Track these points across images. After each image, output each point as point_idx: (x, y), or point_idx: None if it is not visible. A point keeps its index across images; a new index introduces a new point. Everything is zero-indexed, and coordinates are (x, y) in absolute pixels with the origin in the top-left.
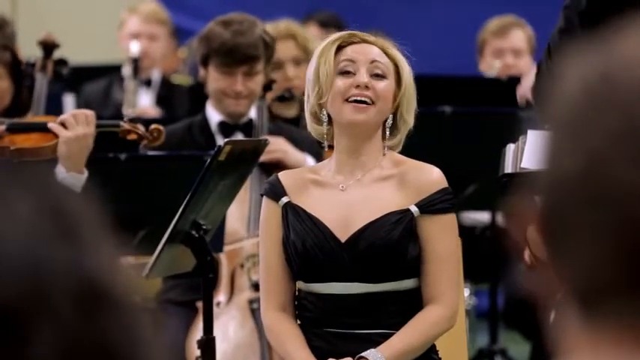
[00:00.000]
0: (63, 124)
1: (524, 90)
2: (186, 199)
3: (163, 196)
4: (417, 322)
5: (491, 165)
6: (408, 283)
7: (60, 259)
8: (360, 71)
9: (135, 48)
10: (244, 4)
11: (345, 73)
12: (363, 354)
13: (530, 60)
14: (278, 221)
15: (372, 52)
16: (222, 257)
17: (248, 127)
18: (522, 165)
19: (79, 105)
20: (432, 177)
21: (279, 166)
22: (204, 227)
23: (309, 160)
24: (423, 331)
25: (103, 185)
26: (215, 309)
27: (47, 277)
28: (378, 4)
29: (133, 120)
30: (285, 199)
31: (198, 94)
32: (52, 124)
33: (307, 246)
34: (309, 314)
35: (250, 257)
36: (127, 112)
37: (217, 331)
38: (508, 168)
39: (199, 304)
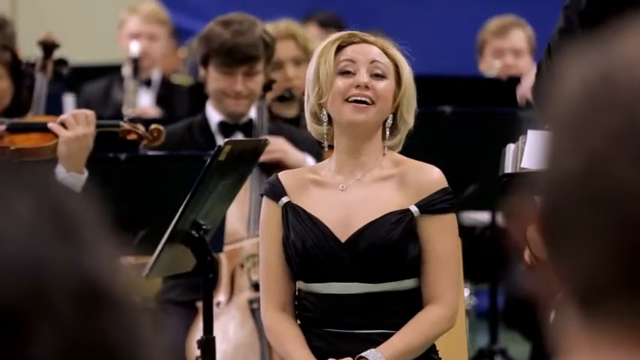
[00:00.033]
0: (63, 124)
1: (524, 90)
2: (186, 199)
3: (163, 196)
4: (417, 322)
5: (491, 165)
6: (408, 283)
7: (60, 259)
8: (360, 71)
9: (135, 48)
10: (244, 4)
11: (345, 73)
12: (363, 354)
13: (530, 60)
14: (278, 221)
15: (372, 52)
16: (222, 257)
17: (248, 127)
18: (522, 165)
19: (79, 105)
20: (432, 177)
21: (279, 166)
22: (204, 227)
23: (309, 160)
24: (423, 331)
25: (103, 185)
26: (215, 309)
27: (47, 277)
28: (378, 4)
29: (133, 120)
30: (285, 199)
31: (198, 94)
32: (52, 124)
33: (307, 246)
34: (309, 314)
35: (250, 257)
36: (127, 112)
37: (217, 331)
38: (508, 168)
39: (199, 304)
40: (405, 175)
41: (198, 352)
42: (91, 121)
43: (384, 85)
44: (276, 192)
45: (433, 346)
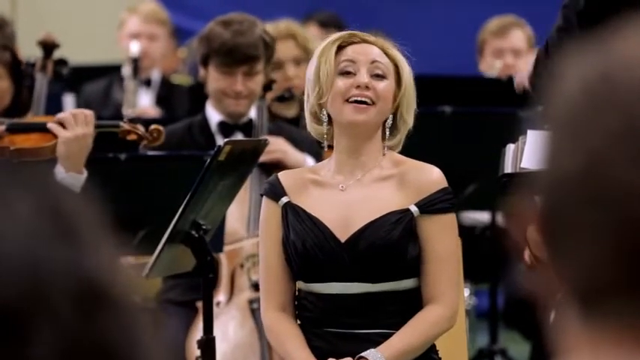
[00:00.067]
0: (62, 125)
1: (522, 78)
2: (186, 199)
3: (163, 196)
4: (416, 322)
5: (491, 165)
6: (407, 283)
7: (59, 259)
8: (361, 71)
9: (135, 48)
10: (244, 4)
11: (345, 73)
12: (362, 354)
13: (530, 60)
14: (278, 221)
15: (373, 52)
16: (222, 257)
17: (248, 127)
18: (522, 165)
19: (79, 105)
20: (431, 177)
21: (279, 166)
22: (204, 227)
23: (309, 160)
24: (423, 331)
25: (103, 185)
26: (215, 309)
27: (47, 277)
28: (378, 4)
29: (133, 120)
30: (284, 199)
31: (198, 94)
32: (51, 125)
33: (307, 246)
34: (309, 314)
35: (250, 257)
36: (127, 112)
37: (217, 331)
38: (508, 168)
39: (199, 304)
40: (404, 175)
41: (198, 352)
42: (90, 121)
43: (385, 86)
44: (275, 192)
45: (433, 346)
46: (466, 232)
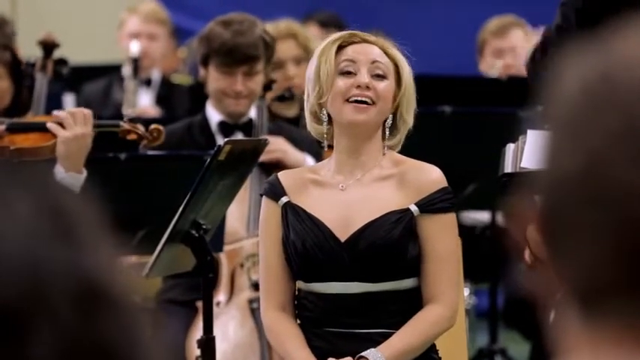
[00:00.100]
0: (61, 124)
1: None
2: (186, 198)
3: (163, 196)
4: (416, 321)
5: (491, 165)
6: (407, 283)
7: (59, 259)
8: (361, 71)
9: (135, 48)
10: (244, 4)
11: (345, 73)
12: (363, 353)
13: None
14: (278, 221)
15: (373, 52)
16: (222, 257)
17: (248, 127)
18: (522, 165)
19: (79, 105)
20: (431, 176)
21: (278, 165)
22: (204, 227)
23: (309, 160)
24: (423, 330)
25: (103, 185)
26: (215, 309)
27: (46, 277)
28: (378, 4)
29: (133, 120)
30: (284, 199)
31: (198, 94)
32: (51, 124)
33: (307, 246)
34: (309, 314)
35: (250, 257)
36: (127, 112)
37: (217, 331)
38: (508, 168)
39: (199, 304)
40: (404, 175)
41: (198, 352)
42: (89, 120)
43: (385, 86)
44: (275, 192)
45: (433, 346)
46: (466, 231)
